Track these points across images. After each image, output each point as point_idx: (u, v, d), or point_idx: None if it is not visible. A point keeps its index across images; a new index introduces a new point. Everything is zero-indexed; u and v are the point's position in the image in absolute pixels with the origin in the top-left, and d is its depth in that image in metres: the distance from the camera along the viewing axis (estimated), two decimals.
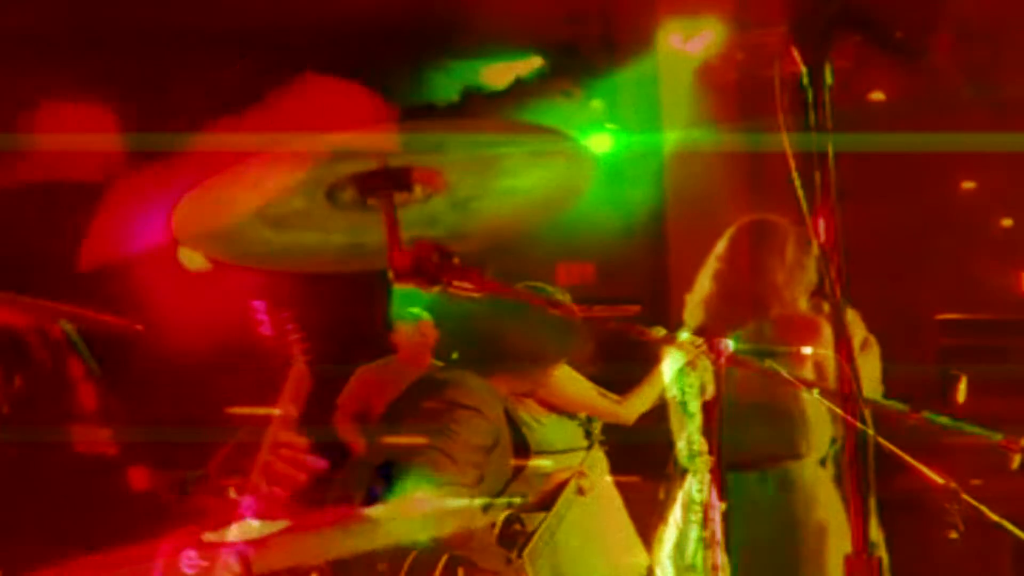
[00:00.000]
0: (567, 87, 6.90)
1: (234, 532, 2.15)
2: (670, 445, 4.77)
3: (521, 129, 2.31)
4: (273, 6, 5.49)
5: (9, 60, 5.23)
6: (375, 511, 2.33)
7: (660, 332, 3.82)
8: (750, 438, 4.38)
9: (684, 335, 3.62)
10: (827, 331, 4.18)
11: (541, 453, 4.61)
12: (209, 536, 2.22)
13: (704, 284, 4.70)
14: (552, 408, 4.79)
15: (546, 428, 4.75)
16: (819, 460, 4.57)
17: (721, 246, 4.71)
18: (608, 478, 4.92)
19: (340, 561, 2.53)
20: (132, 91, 5.35)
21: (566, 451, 4.72)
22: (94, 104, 5.33)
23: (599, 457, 4.94)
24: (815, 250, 2.23)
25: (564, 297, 4.83)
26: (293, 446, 2.68)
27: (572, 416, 4.85)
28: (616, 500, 4.97)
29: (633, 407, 5.05)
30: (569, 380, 4.98)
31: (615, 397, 5.05)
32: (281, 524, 2.20)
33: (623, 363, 5.15)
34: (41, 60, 5.37)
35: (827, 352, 4.27)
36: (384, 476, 2.79)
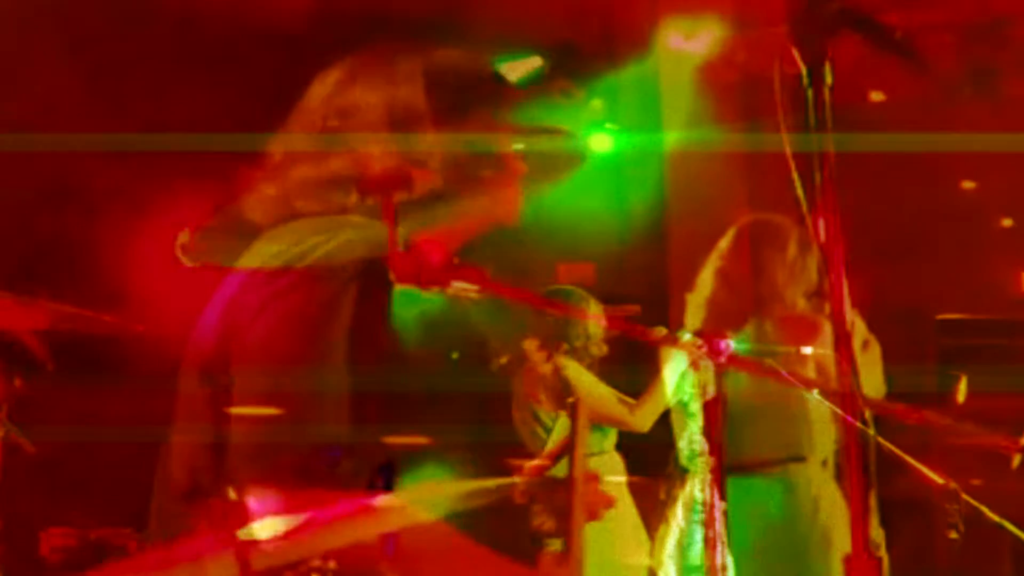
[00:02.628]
0: (567, 87, 6.90)
1: (253, 531, 2.15)
2: (670, 445, 4.77)
3: (521, 129, 2.31)
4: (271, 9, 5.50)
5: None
6: (386, 499, 2.32)
7: (661, 332, 3.83)
8: (753, 440, 4.37)
9: (686, 336, 3.62)
10: (828, 331, 4.17)
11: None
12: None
13: (706, 281, 4.70)
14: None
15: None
16: (822, 461, 4.56)
17: (724, 244, 4.70)
18: (621, 479, 4.92)
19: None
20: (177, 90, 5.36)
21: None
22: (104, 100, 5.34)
23: (615, 461, 4.96)
24: (815, 250, 2.23)
25: (587, 301, 4.87)
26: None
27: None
28: (626, 499, 4.97)
29: (644, 416, 5.01)
30: (592, 385, 4.99)
31: (632, 401, 5.03)
32: (297, 519, 2.19)
33: (626, 364, 5.16)
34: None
35: (829, 352, 4.27)
36: (387, 465, 2.77)
